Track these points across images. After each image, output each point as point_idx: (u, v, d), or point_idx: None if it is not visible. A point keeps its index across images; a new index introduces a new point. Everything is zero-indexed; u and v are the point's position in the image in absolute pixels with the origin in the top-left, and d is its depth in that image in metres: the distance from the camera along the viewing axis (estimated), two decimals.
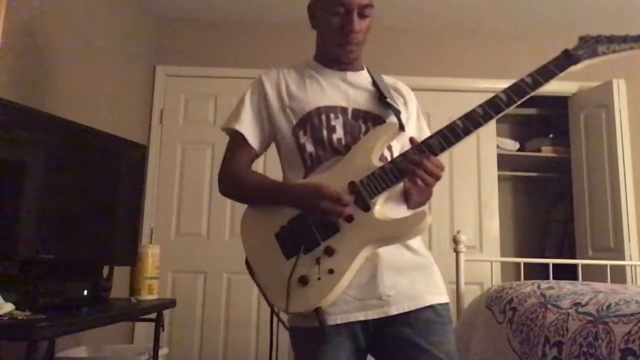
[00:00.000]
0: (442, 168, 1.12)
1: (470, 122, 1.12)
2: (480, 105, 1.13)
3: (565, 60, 1.15)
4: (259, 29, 3.39)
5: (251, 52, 3.34)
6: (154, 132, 3.25)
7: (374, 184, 1.13)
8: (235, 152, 1.30)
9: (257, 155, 1.32)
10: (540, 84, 1.13)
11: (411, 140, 1.16)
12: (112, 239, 2.00)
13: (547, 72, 1.14)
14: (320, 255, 1.10)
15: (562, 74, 1.14)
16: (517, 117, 3.94)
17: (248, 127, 1.29)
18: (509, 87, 1.13)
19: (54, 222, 1.73)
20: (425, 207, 1.28)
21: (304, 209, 1.15)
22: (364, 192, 1.13)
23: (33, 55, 1.98)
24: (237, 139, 1.30)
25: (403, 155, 1.15)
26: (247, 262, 1.21)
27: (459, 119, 1.13)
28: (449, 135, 1.12)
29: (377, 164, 1.17)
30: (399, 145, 1.29)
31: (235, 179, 1.28)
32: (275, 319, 1.20)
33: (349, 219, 1.12)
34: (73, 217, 1.81)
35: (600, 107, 3.29)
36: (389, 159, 1.23)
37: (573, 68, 1.15)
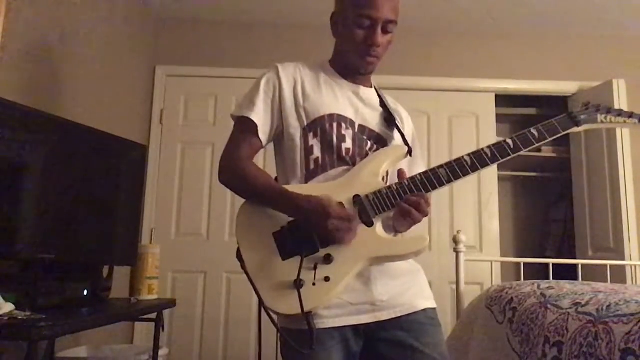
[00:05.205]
0: (429, 206, 1.18)
1: (477, 160, 1.20)
2: (488, 147, 1.21)
3: (569, 121, 1.26)
4: (259, 29, 3.38)
5: (251, 52, 3.34)
6: (154, 132, 3.25)
7: (379, 201, 1.16)
8: (243, 142, 1.25)
9: (261, 148, 1.28)
10: (545, 138, 1.23)
11: (401, 174, 1.20)
12: (112, 239, 2.00)
13: (553, 129, 1.24)
14: (318, 262, 1.11)
15: (565, 133, 1.25)
16: (516, 117, 3.93)
17: (261, 117, 1.25)
18: (516, 136, 1.22)
19: (54, 222, 1.73)
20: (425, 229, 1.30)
21: (307, 222, 1.13)
22: (369, 207, 1.15)
23: (33, 55, 1.98)
24: (247, 128, 1.25)
25: (412, 179, 1.18)
26: (239, 254, 1.19)
27: (467, 155, 1.20)
28: (457, 169, 1.19)
29: (383, 183, 1.20)
30: (404, 168, 1.33)
31: (240, 172, 1.23)
32: (265, 315, 1.18)
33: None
34: (73, 217, 1.81)
35: None
36: (385, 179, 1.26)
37: (575, 129, 1.26)
